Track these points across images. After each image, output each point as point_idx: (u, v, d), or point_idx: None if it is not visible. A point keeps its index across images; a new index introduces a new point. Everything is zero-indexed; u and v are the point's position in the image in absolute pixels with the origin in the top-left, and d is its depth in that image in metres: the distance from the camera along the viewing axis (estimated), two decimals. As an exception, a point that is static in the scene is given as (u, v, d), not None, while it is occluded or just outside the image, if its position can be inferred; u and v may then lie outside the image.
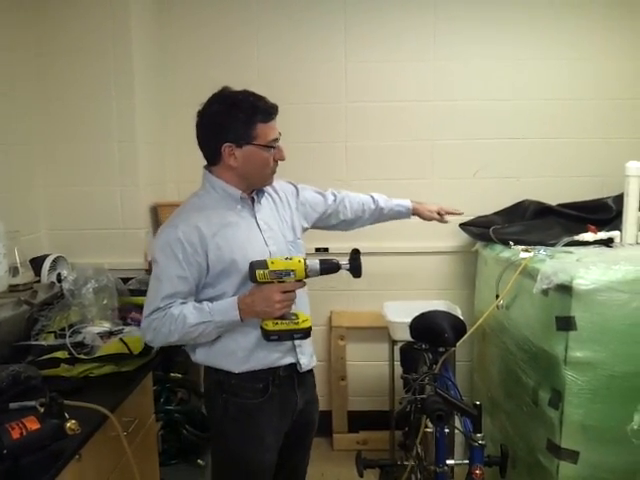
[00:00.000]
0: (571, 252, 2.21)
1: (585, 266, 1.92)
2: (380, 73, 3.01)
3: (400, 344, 2.59)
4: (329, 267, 1.58)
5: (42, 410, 1.40)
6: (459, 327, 2.19)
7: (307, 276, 1.57)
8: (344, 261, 1.60)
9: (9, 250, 2.01)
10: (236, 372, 1.65)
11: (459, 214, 2.30)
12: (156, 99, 2.89)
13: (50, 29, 2.58)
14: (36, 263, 2.34)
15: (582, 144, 3.02)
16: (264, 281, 1.54)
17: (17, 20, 2.46)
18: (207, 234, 1.58)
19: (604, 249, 2.30)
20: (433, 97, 3.02)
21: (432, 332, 2.15)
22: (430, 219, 2.21)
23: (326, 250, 3.06)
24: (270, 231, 1.71)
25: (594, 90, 2.99)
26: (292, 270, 1.54)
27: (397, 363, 2.60)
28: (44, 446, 1.32)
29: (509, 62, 2.99)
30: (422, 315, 2.29)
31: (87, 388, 1.71)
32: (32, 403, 1.50)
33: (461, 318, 2.39)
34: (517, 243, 2.49)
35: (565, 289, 1.89)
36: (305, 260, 1.56)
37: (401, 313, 2.62)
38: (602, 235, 2.36)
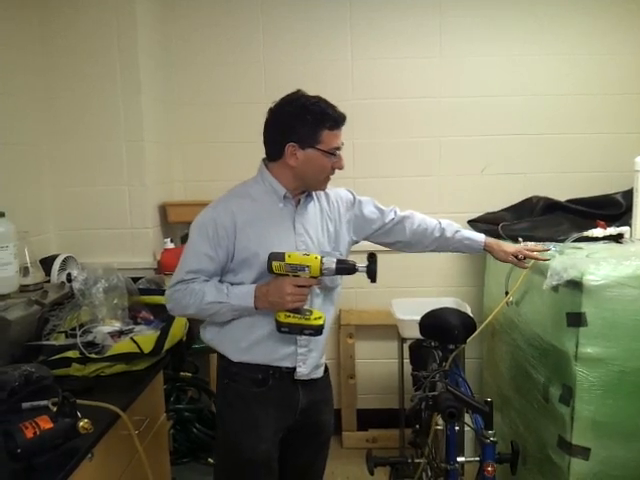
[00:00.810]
0: (581, 248, 2.20)
1: (595, 262, 1.91)
2: (386, 70, 3.01)
3: (409, 342, 2.58)
4: (345, 268, 1.60)
5: (54, 410, 1.40)
6: (469, 324, 2.18)
7: (322, 274, 1.58)
8: (361, 264, 1.62)
9: (19, 250, 2.01)
10: (235, 361, 1.69)
11: (544, 259, 1.99)
12: (162, 98, 2.89)
13: (56, 28, 2.59)
14: (46, 263, 2.35)
15: (590, 139, 3.01)
16: (279, 273, 1.57)
17: (23, 19, 2.47)
18: (240, 222, 1.64)
19: (614, 245, 2.29)
20: (440, 94, 3.02)
21: (442, 329, 2.15)
22: (504, 261, 2.00)
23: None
24: (305, 236, 1.71)
25: (602, 85, 2.98)
26: (307, 265, 1.56)
27: (406, 361, 2.60)
28: (57, 445, 1.32)
29: (516, 58, 2.98)
30: (432, 312, 2.29)
31: (98, 387, 1.72)
32: (44, 403, 1.50)
33: (470, 315, 2.38)
34: (526, 239, 2.47)
35: (575, 285, 1.88)
36: (322, 258, 1.58)
37: (410, 311, 2.62)
38: (612, 231, 2.35)
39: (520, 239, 2.50)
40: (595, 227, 2.37)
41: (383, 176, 3.06)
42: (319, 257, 1.58)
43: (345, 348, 3.18)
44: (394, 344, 2.97)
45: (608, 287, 1.83)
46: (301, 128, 1.63)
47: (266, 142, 1.71)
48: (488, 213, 2.96)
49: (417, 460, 2.06)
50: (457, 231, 1.97)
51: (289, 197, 1.71)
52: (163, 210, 2.83)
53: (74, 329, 1.91)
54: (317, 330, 1.62)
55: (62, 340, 1.91)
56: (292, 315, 1.60)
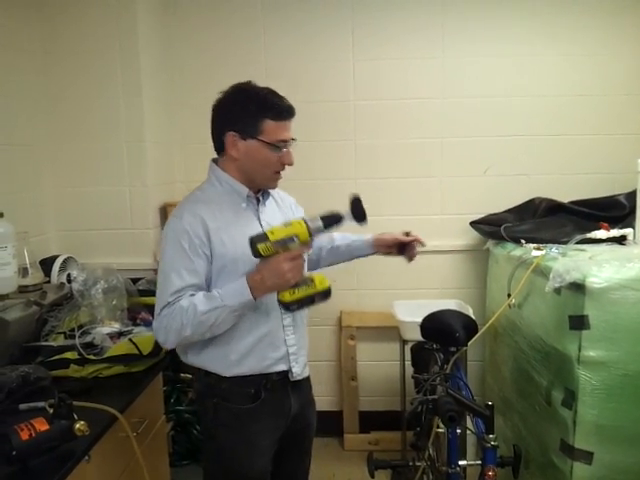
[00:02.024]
0: (584, 250, 2.19)
1: (598, 264, 1.89)
2: (388, 71, 3.00)
3: (411, 344, 2.57)
4: (332, 220, 1.50)
5: (51, 411, 1.39)
6: (470, 326, 2.17)
7: (312, 236, 1.48)
8: (346, 211, 1.53)
9: (18, 251, 2.01)
10: (227, 376, 1.60)
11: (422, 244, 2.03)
12: (163, 99, 2.89)
13: (56, 29, 2.58)
14: (46, 264, 2.34)
15: (593, 141, 2.99)
16: (268, 254, 1.45)
17: (23, 20, 2.47)
18: (211, 227, 1.54)
19: (617, 247, 2.27)
20: (442, 94, 3.00)
21: (443, 332, 2.13)
22: (394, 241, 1.98)
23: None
24: None
25: (606, 86, 2.96)
26: (295, 235, 1.45)
27: (408, 363, 2.58)
28: (53, 447, 1.32)
29: (519, 59, 2.96)
30: (433, 314, 2.27)
31: (96, 389, 1.71)
32: (41, 404, 1.50)
33: (472, 317, 2.37)
34: (529, 241, 2.47)
35: (578, 287, 1.86)
36: (305, 220, 1.48)
37: (411, 312, 2.61)
38: (615, 232, 2.33)
39: (522, 240, 2.49)
40: (598, 229, 2.35)
41: (385, 177, 3.05)
42: (302, 221, 1.47)
43: (346, 350, 3.16)
44: (396, 346, 2.95)
45: (611, 290, 1.82)
46: (241, 116, 1.54)
47: (212, 134, 1.63)
48: (491, 214, 2.94)
49: (418, 463, 2.04)
50: (346, 237, 1.97)
51: (251, 196, 1.64)
52: (164, 211, 2.82)
53: (73, 330, 1.90)
54: (326, 293, 1.51)
55: (61, 341, 1.90)
56: (296, 290, 1.49)
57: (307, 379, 1.80)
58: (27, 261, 2.13)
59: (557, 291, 1.97)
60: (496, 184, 3.02)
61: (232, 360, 1.59)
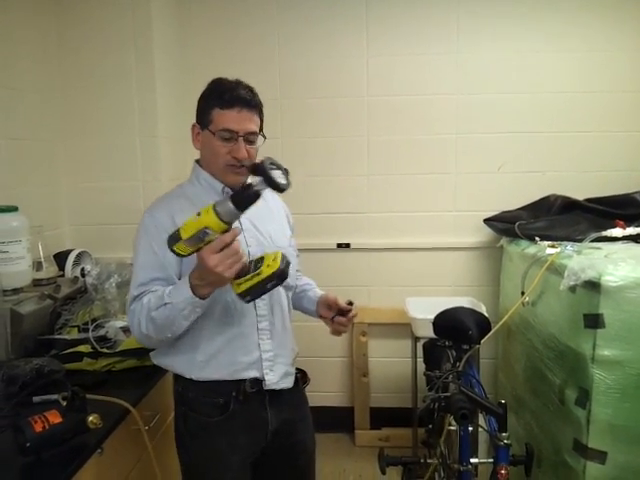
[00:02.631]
0: (599, 248, 2.17)
1: (614, 262, 1.87)
2: (402, 67, 2.98)
3: (423, 341, 2.56)
4: (243, 197, 1.27)
5: (64, 404, 1.40)
6: (484, 324, 2.15)
7: (226, 221, 1.26)
8: (256, 180, 1.29)
9: (33, 245, 2.02)
10: (194, 379, 1.52)
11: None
12: (177, 94, 2.89)
13: (71, 25, 2.59)
14: (60, 258, 2.36)
15: (609, 137, 2.96)
16: (190, 252, 1.31)
17: (38, 15, 2.48)
18: (179, 223, 1.37)
19: (633, 245, 2.25)
20: (456, 90, 2.98)
21: (456, 329, 2.12)
22: (334, 301, 1.70)
23: (347, 246, 3.05)
24: (254, 231, 1.58)
25: (622, 82, 2.92)
26: (205, 227, 1.26)
27: (420, 360, 2.57)
28: (66, 440, 1.33)
29: (534, 55, 2.93)
30: (446, 312, 2.26)
31: (109, 382, 1.72)
32: (55, 397, 1.51)
33: (485, 315, 2.35)
34: (543, 239, 2.45)
35: (593, 286, 1.84)
36: (214, 205, 1.26)
37: (424, 309, 2.59)
38: (631, 231, 2.31)
39: (537, 238, 2.47)
40: (614, 227, 2.33)
41: (397, 173, 3.04)
42: (210, 207, 1.26)
43: (358, 346, 3.16)
44: (407, 343, 2.94)
45: (627, 288, 1.80)
46: (199, 107, 1.54)
47: None
48: (504, 212, 2.92)
49: (429, 460, 2.03)
50: (306, 289, 1.82)
51: (228, 192, 1.53)
52: (177, 206, 2.83)
53: (86, 324, 1.91)
54: (279, 276, 1.33)
55: (74, 334, 1.92)
56: (242, 280, 1.33)
57: (297, 392, 1.71)
58: (41, 255, 2.15)
59: (572, 289, 1.95)
60: (510, 181, 3.00)
61: (199, 361, 1.51)
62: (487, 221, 2.92)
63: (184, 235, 1.28)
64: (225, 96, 1.49)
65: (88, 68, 2.61)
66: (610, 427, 1.86)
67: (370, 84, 3.00)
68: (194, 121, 1.57)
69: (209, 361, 1.52)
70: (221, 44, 3.00)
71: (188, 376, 1.53)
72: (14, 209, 1.91)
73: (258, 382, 1.56)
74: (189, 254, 1.31)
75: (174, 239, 1.30)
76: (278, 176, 1.28)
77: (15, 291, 1.89)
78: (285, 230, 1.73)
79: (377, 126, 3.02)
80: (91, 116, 2.65)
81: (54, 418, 1.32)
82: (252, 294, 1.35)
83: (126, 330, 1.93)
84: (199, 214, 1.28)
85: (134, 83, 2.61)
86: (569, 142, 2.97)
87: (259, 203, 1.45)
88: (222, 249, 1.29)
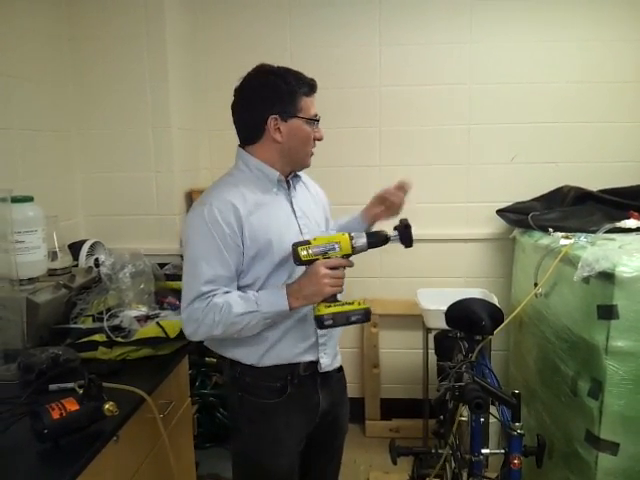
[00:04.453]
0: (613, 239, 2.15)
1: (628, 253, 1.87)
2: (415, 57, 2.97)
3: (434, 332, 2.56)
4: (377, 240, 1.50)
5: (81, 392, 1.42)
6: (496, 315, 2.15)
7: (354, 250, 1.47)
8: (393, 232, 1.53)
9: (48, 235, 2.03)
10: (253, 365, 1.57)
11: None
12: (189, 85, 2.90)
13: (83, 14, 2.60)
14: (74, 248, 2.38)
15: (624, 128, 2.94)
16: (307, 260, 1.45)
17: (51, 8, 2.49)
18: (243, 213, 1.49)
19: (647, 236, 2.23)
20: (469, 80, 2.97)
21: (469, 320, 2.12)
22: (385, 196, 1.86)
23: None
24: (305, 218, 1.63)
25: (634, 73, 2.89)
26: (336, 242, 1.46)
27: (431, 351, 2.57)
28: (83, 427, 1.34)
29: (548, 44, 2.91)
30: (459, 302, 2.26)
31: (124, 371, 1.73)
32: (71, 385, 1.52)
33: (498, 306, 2.35)
34: (556, 230, 2.44)
35: (607, 277, 1.84)
36: (350, 234, 1.48)
37: (435, 301, 2.59)
38: (645, 222, 2.29)
39: (550, 229, 2.46)
40: (628, 218, 2.32)
41: (410, 164, 3.03)
42: (346, 234, 1.48)
43: (369, 337, 3.17)
44: (418, 334, 2.94)
45: (641, 279, 1.79)
46: (279, 98, 1.52)
47: (240, 125, 1.60)
48: (518, 203, 2.91)
49: (441, 451, 2.04)
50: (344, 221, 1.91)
51: (282, 180, 1.60)
52: (189, 197, 2.84)
53: (101, 313, 1.92)
54: (366, 313, 1.47)
55: (89, 324, 1.93)
56: (333, 304, 1.45)
57: (340, 377, 1.77)
58: (56, 245, 2.16)
59: (586, 280, 1.94)
60: (523, 172, 2.99)
61: (260, 350, 1.56)
62: (500, 212, 2.91)
63: (314, 243, 1.46)
64: (309, 84, 1.56)
65: (101, 59, 2.62)
66: (622, 418, 1.86)
67: (383, 74, 2.99)
68: (272, 115, 1.52)
69: (270, 349, 1.56)
70: (233, 34, 2.99)
71: (249, 363, 1.57)
72: (30, 199, 1.92)
73: (312, 365, 1.62)
74: (305, 261, 1.46)
75: (302, 244, 1.46)
76: (411, 235, 1.52)
77: (31, 280, 1.90)
78: (324, 215, 1.78)
79: (389, 116, 3.01)
80: (104, 107, 2.66)
81: (71, 405, 1.33)
82: (335, 320, 1.45)
83: (140, 319, 1.95)
84: (332, 235, 1.51)
85: (147, 73, 2.62)
86: (583, 133, 2.95)
87: (303, 190, 1.70)
88: (334, 268, 1.44)
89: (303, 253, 1.45)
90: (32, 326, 1.79)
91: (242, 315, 1.45)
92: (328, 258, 1.45)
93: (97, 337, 1.85)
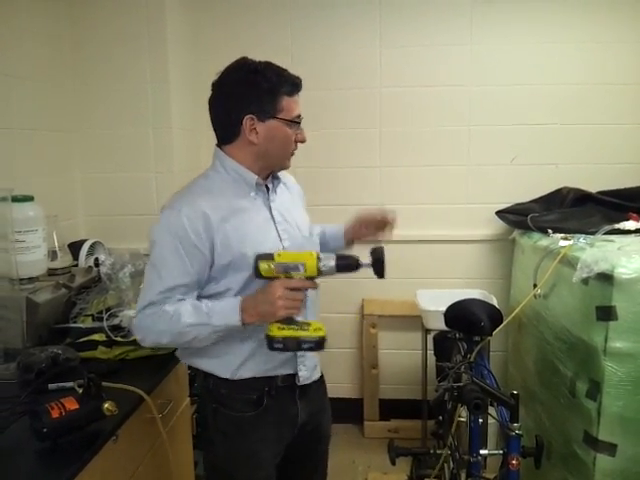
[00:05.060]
0: (612, 240, 2.16)
1: (627, 255, 1.87)
2: (415, 58, 2.98)
3: (433, 333, 2.56)
4: (347, 264, 1.36)
5: (80, 391, 1.42)
6: (495, 316, 2.15)
7: (320, 273, 1.35)
8: (366, 259, 1.39)
9: (48, 234, 2.04)
10: (227, 378, 1.49)
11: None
12: (190, 85, 2.90)
13: (84, 15, 2.60)
14: (74, 248, 2.38)
15: (623, 130, 2.94)
16: (269, 276, 1.35)
17: (52, 7, 2.49)
18: (214, 221, 1.40)
19: (646, 238, 2.24)
20: (469, 82, 2.97)
21: (468, 320, 2.12)
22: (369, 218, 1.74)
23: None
24: (285, 224, 1.53)
25: (635, 75, 2.90)
26: (301, 263, 1.33)
27: (430, 352, 2.57)
28: (82, 426, 1.34)
29: (549, 45, 2.91)
30: (458, 303, 2.26)
31: (123, 370, 1.73)
32: (70, 384, 1.52)
33: (497, 307, 2.35)
34: (556, 231, 2.44)
35: (606, 278, 1.84)
36: (319, 254, 1.35)
37: (435, 301, 2.60)
38: (644, 223, 2.29)
39: (549, 230, 2.47)
40: (627, 219, 2.32)
41: (410, 165, 3.03)
42: (314, 253, 1.35)
43: (368, 338, 3.17)
44: (417, 335, 2.95)
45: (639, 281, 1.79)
46: (257, 96, 1.41)
47: (216, 122, 1.50)
48: (517, 204, 2.91)
49: (439, 451, 2.04)
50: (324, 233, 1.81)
51: (260, 183, 1.50)
52: (189, 197, 2.83)
53: (101, 312, 1.93)
54: (318, 343, 1.36)
55: (89, 323, 1.93)
56: (286, 327, 1.35)
57: (321, 383, 1.69)
58: (56, 244, 2.17)
59: (584, 282, 1.94)
60: (523, 173, 2.99)
61: (232, 363, 1.48)
62: (499, 213, 2.92)
63: (278, 259, 1.34)
64: (292, 82, 1.46)
65: (102, 59, 2.63)
66: (621, 419, 1.86)
67: (383, 75, 3.00)
68: (248, 115, 1.43)
69: (246, 362, 1.48)
70: (234, 35, 2.99)
71: (223, 376, 1.49)
72: (30, 199, 1.92)
73: (290, 377, 1.54)
74: (266, 277, 1.35)
75: (265, 257, 1.34)
76: (384, 266, 1.38)
77: (31, 280, 1.90)
78: (304, 214, 1.68)
79: (389, 118, 3.02)
80: (105, 107, 2.66)
81: (70, 405, 1.33)
82: (286, 345, 1.36)
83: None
84: (299, 252, 1.37)
85: (148, 74, 2.62)
86: (582, 134, 2.95)
87: (284, 194, 1.58)
88: (294, 289, 1.33)
89: (264, 267, 1.34)
90: (32, 325, 1.80)
91: (192, 326, 1.37)
92: (290, 277, 1.35)
93: (97, 336, 1.85)
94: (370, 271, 1.40)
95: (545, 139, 2.97)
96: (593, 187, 2.80)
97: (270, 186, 1.56)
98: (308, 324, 1.38)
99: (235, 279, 1.44)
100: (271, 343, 1.37)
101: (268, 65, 1.46)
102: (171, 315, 1.37)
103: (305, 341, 1.36)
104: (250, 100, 1.42)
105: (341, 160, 3.04)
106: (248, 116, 1.43)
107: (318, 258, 1.34)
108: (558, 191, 2.87)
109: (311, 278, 1.36)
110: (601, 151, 2.95)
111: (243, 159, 1.49)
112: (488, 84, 2.96)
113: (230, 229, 1.42)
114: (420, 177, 3.05)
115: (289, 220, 1.55)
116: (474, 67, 2.95)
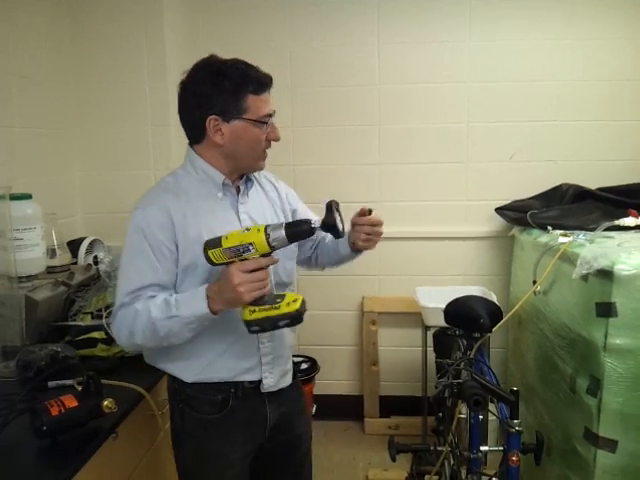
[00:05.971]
0: (612, 237, 2.16)
1: (627, 251, 1.87)
2: (414, 55, 2.97)
3: (433, 330, 2.56)
4: (299, 231, 1.28)
5: (80, 389, 1.42)
6: (495, 313, 2.15)
7: (272, 247, 1.27)
8: (316, 218, 1.33)
9: (47, 232, 2.03)
10: (189, 382, 1.46)
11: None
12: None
13: (82, 14, 2.60)
14: (73, 245, 2.38)
15: (622, 126, 2.93)
16: (221, 262, 1.28)
17: (50, 5, 2.48)
18: (177, 221, 1.38)
19: (646, 234, 2.23)
20: (468, 78, 2.96)
21: (468, 317, 2.12)
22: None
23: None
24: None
25: (634, 71, 2.89)
26: (250, 243, 1.25)
27: (430, 349, 2.58)
28: (82, 424, 1.34)
29: (548, 42, 2.90)
30: (457, 300, 2.26)
31: (123, 368, 1.74)
32: (70, 382, 1.53)
33: (497, 304, 2.35)
34: (555, 228, 2.44)
35: (606, 274, 1.84)
36: (267, 228, 1.27)
37: (434, 298, 2.60)
38: (644, 220, 2.29)
39: (549, 227, 2.47)
40: (627, 216, 2.32)
41: (409, 162, 3.03)
42: (262, 227, 1.27)
43: (368, 335, 3.17)
44: (417, 332, 2.95)
45: (639, 277, 1.79)
46: (220, 96, 1.37)
47: (183, 122, 1.47)
48: (516, 201, 2.91)
49: (439, 448, 2.04)
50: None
51: (228, 184, 1.47)
52: (188, 195, 2.83)
53: (100, 310, 1.93)
54: (294, 317, 1.29)
55: (88, 321, 1.93)
56: (257, 308, 1.29)
57: (294, 386, 1.63)
58: (55, 242, 2.16)
59: (584, 278, 1.94)
60: (522, 170, 2.99)
61: (197, 366, 1.46)
62: (499, 210, 2.91)
63: (225, 244, 1.26)
64: (258, 80, 1.40)
65: (100, 57, 2.62)
66: (621, 416, 1.86)
67: (381, 72, 2.99)
68: (212, 115, 1.39)
69: (208, 366, 1.46)
70: (232, 32, 2.98)
71: (186, 380, 1.47)
72: (28, 197, 1.92)
73: (256, 382, 1.51)
74: (220, 264, 1.29)
75: (213, 244, 1.28)
76: (339, 221, 1.30)
77: (29, 278, 1.90)
78: (281, 218, 1.60)
79: (388, 114, 3.01)
80: (103, 105, 2.66)
81: (70, 402, 1.33)
82: (261, 326, 1.30)
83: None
84: (248, 229, 1.27)
85: (146, 72, 2.62)
86: (581, 131, 2.95)
87: (257, 196, 1.53)
88: (253, 271, 1.27)
89: (214, 255, 1.28)
90: (31, 323, 1.80)
91: (162, 321, 1.33)
92: (244, 259, 1.28)
93: (96, 334, 1.85)
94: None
95: (544, 136, 2.96)
96: (592, 183, 2.80)
97: (242, 187, 1.52)
98: (282, 297, 1.31)
99: (193, 282, 1.40)
100: (248, 327, 1.31)
101: (234, 64, 1.41)
102: (140, 312, 1.34)
103: (280, 319, 1.29)
104: (213, 101, 1.39)
105: (340, 157, 3.03)
106: (212, 117, 1.39)
107: (266, 233, 1.26)
108: (557, 188, 2.87)
109: (266, 254, 1.29)
110: (600, 147, 2.95)
111: (212, 159, 1.46)
112: (487, 81, 2.95)
113: (191, 231, 1.39)
114: (419, 174, 3.04)
115: (258, 222, 1.47)
116: (473, 64, 2.95)
